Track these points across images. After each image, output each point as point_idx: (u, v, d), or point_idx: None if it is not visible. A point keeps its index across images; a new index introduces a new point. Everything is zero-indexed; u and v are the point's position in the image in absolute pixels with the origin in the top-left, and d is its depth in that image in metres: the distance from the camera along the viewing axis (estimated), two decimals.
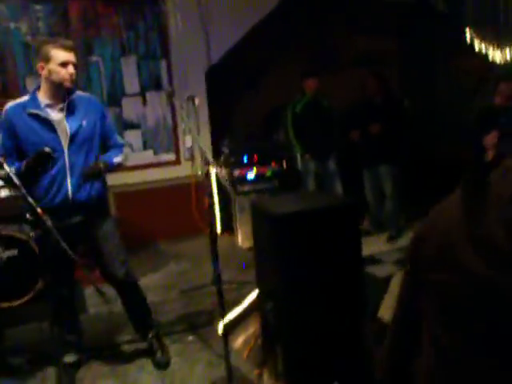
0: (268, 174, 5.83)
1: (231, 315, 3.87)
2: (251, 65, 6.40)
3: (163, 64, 6.05)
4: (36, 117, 3.00)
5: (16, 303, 4.41)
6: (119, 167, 3.29)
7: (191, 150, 5.83)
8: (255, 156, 5.84)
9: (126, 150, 3.38)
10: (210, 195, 3.03)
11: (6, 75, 5.75)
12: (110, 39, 5.88)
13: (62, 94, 3.05)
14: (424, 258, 0.91)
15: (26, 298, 4.42)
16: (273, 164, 5.87)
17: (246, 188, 5.79)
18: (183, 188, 5.61)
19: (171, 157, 6.24)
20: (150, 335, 3.48)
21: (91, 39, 5.82)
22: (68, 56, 2.99)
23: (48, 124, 3.01)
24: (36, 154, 2.85)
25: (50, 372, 3.11)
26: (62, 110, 3.06)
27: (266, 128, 6.63)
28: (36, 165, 2.87)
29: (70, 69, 2.99)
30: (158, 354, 3.40)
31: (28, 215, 2.82)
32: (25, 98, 3.08)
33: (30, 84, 5.73)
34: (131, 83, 5.98)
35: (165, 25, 5.97)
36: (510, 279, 0.76)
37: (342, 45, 6.88)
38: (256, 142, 6.19)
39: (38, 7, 5.60)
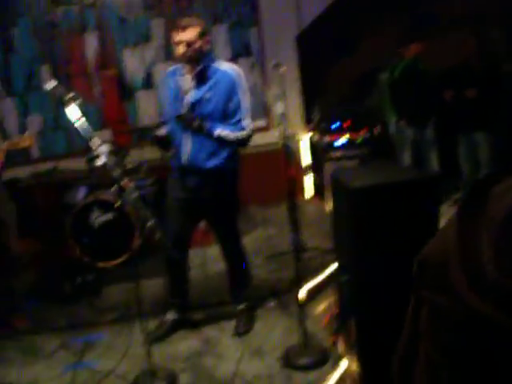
0: (358, 140, 5.74)
1: (312, 283, 3.93)
2: (343, 28, 6.25)
3: (254, 31, 6.09)
4: (175, 83, 3.28)
5: (112, 264, 4.75)
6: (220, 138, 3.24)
7: (282, 116, 5.86)
8: (346, 122, 5.77)
9: (243, 133, 3.25)
10: (299, 161, 3.05)
11: (105, 48, 6.05)
12: (201, 8, 5.98)
13: (192, 65, 3.22)
14: (424, 276, 0.89)
15: (120, 260, 4.74)
16: (364, 130, 5.76)
17: (336, 154, 5.75)
18: (273, 154, 5.67)
19: (262, 123, 6.32)
20: (240, 306, 3.62)
21: (184, 9, 5.96)
22: (179, 36, 3.15)
23: (177, 90, 3.27)
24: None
25: (138, 329, 3.34)
26: (193, 79, 3.24)
27: (357, 93, 6.49)
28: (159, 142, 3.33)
29: (180, 48, 3.15)
30: (242, 323, 3.55)
31: (113, 188, 2.99)
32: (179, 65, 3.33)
33: (126, 56, 6.00)
34: (222, 51, 6.08)
35: None
36: (505, 317, 0.71)
37: (441, 6, 6.53)
38: (347, 107, 6.10)
39: None
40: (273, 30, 6.01)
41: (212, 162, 3.28)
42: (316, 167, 5.97)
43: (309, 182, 6.32)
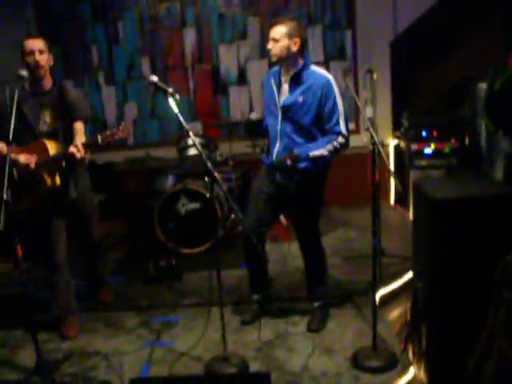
0: (446, 150, 5.64)
1: (388, 288, 3.94)
2: (439, 34, 6.14)
3: (348, 34, 6.11)
4: (271, 85, 3.44)
5: (195, 251, 4.96)
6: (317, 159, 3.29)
7: (371, 120, 5.86)
8: (434, 131, 5.68)
9: (340, 139, 3.26)
10: (385, 167, 3.06)
11: (202, 43, 6.28)
12: (297, 9, 6.08)
13: (286, 67, 3.35)
14: (506, 278, 0.93)
15: (202, 248, 4.94)
16: (452, 140, 5.65)
17: (423, 163, 5.68)
18: (360, 157, 5.67)
19: (351, 126, 6.31)
20: (316, 303, 3.68)
21: (280, 9, 6.08)
22: (270, 33, 3.29)
23: (272, 92, 3.42)
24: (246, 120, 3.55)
25: (215, 314, 3.49)
26: (287, 82, 3.36)
27: (449, 102, 6.36)
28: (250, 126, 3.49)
29: (269, 44, 3.29)
30: (315, 321, 3.61)
31: (206, 178, 3.11)
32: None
33: (222, 52, 6.20)
34: (316, 52, 6.15)
35: None
36: None
37: None
38: (437, 116, 5.99)
39: None
40: (367, 33, 6.01)
41: (302, 164, 3.33)
42: (401, 174, 5.92)
43: (393, 188, 6.28)
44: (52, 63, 3.52)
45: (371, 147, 2.97)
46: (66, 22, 6.34)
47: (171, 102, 2.86)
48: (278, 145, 3.41)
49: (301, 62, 3.31)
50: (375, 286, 3.17)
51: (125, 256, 5.28)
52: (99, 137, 3.31)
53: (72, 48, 6.40)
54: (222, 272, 3.07)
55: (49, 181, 3.39)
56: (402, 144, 5.93)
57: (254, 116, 3.48)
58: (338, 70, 6.05)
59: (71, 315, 3.77)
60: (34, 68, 3.37)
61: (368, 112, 5.95)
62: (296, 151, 3.26)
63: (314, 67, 3.36)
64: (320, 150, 3.25)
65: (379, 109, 5.51)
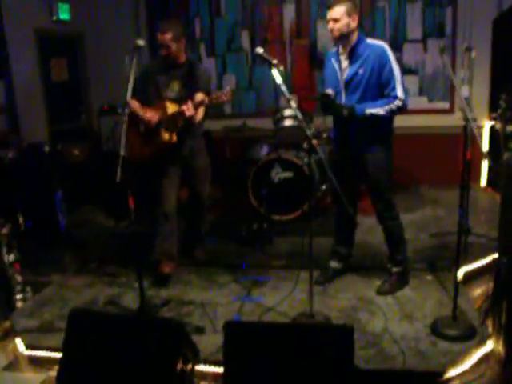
0: None
1: (473, 265, 4.01)
2: None
3: (449, 11, 6.05)
4: (332, 64, 3.68)
5: (286, 218, 5.22)
6: (373, 116, 3.46)
7: (466, 99, 5.81)
8: None
9: (397, 102, 3.42)
10: (479, 147, 3.13)
11: (300, 19, 6.44)
12: None
13: (344, 44, 3.56)
14: None
15: (294, 215, 5.18)
16: None
17: None
18: (453, 137, 5.66)
19: (445, 105, 6.32)
20: (394, 269, 3.86)
21: None
22: (328, 14, 3.51)
23: (334, 70, 3.65)
24: (321, 94, 3.66)
25: (303, 276, 3.74)
26: (346, 58, 3.58)
27: None
28: (323, 101, 3.60)
29: (330, 25, 3.50)
30: (387, 284, 3.81)
31: (305, 144, 3.34)
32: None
33: (319, 28, 6.35)
34: (414, 29, 6.16)
35: None
36: None
37: None
38: None
39: None
40: (469, 11, 5.93)
41: (368, 137, 3.57)
42: (495, 156, 5.86)
43: (485, 169, 6.23)
44: (183, 47, 3.99)
45: (464, 126, 3.05)
46: None
47: (275, 73, 3.08)
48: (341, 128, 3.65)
49: (356, 36, 3.51)
50: (458, 259, 3.27)
51: (219, 218, 5.63)
52: (206, 98, 3.78)
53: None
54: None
55: (166, 136, 3.91)
56: (498, 126, 5.85)
57: (329, 90, 3.65)
58: (437, 47, 6.05)
59: (170, 260, 4.16)
60: (166, 56, 3.92)
61: (464, 91, 5.90)
62: (354, 105, 3.47)
63: (369, 39, 3.55)
64: (377, 109, 3.44)
65: (476, 88, 5.46)
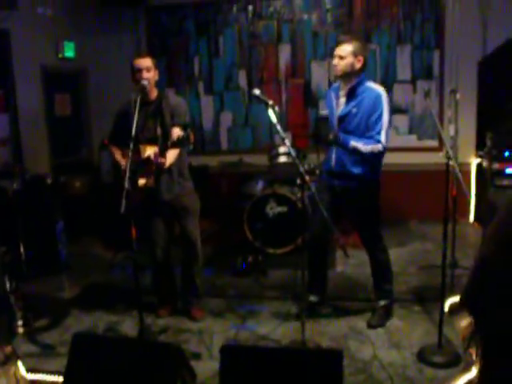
0: None
1: (459, 297, 4.16)
2: None
3: (436, 54, 6.36)
4: (331, 98, 3.88)
5: (279, 251, 5.39)
6: (354, 150, 3.61)
7: (452, 138, 6.05)
8: None
9: (379, 146, 3.57)
10: (465, 184, 3.27)
11: (296, 59, 6.75)
12: (387, 29, 6.43)
13: (345, 82, 3.74)
14: None
15: (287, 249, 5.36)
16: None
17: (504, 182, 5.81)
18: (440, 174, 5.84)
19: (434, 143, 6.56)
20: (381, 302, 3.99)
21: (371, 29, 6.45)
22: (335, 51, 3.68)
23: (332, 103, 3.86)
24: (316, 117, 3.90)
25: (294, 308, 3.90)
26: (344, 95, 3.78)
27: None
28: (317, 122, 3.77)
29: (335, 61, 3.68)
30: (376, 317, 3.94)
31: (298, 180, 3.48)
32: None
33: (314, 67, 6.63)
34: (403, 71, 6.46)
35: (442, 16, 6.28)
36: None
37: None
38: None
39: (327, 0, 6.54)
40: (455, 54, 6.23)
41: (357, 169, 3.73)
42: (481, 193, 6.07)
43: (472, 205, 6.43)
44: (157, 78, 3.83)
45: (450, 164, 3.22)
46: (172, 36, 7.03)
47: (271, 113, 3.26)
48: (334, 151, 3.82)
49: (359, 77, 3.69)
50: (444, 291, 3.44)
51: (215, 251, 5.79)
52: (169, 143, 3.48)
53: (176, 59, 7.07)
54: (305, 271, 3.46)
55: (142, 181, 3.65)
56: (485, 163, 6.08)
57: (324, 112, 3.87)
58: (424, 88, 6.32)
59: (165, 305, 4.26)
60: (143, 88, 3.67)
61: (451, 130, 6.15)
62: (340, 134, 3.65)
63: (368, 83, 3.73)
64: (360, 145, 3.60)
65: (463, 128, 5.69)
